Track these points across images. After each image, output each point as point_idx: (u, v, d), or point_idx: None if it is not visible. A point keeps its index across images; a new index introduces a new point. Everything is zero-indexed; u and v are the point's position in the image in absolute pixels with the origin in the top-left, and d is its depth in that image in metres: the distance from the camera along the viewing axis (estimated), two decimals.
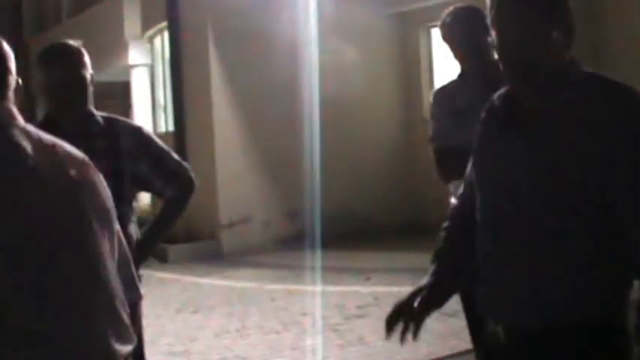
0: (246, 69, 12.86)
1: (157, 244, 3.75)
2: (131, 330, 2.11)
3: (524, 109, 2.48)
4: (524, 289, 2.42)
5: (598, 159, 2.33)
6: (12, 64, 2.10)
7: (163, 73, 15.40)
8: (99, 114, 3.71)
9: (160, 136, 15.78)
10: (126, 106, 24.52)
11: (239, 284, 10.06)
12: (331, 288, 9.46)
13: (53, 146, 2.07)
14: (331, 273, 10.19)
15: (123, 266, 2.19)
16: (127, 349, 2.06)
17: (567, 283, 2.37)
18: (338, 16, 12.52)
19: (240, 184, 13.05)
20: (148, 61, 18.15)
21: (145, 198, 12.36)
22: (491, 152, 2.56)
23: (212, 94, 13.18)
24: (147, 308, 9.09)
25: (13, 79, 2.09)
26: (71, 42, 3.65)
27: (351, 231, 12.71)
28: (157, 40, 15.98)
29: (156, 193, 3.83)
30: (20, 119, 2.04)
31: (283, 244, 12.78)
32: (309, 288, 9.61)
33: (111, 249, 2.10)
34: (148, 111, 18.33)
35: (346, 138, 13.46)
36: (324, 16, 12.30)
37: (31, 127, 2.05)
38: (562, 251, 2.37)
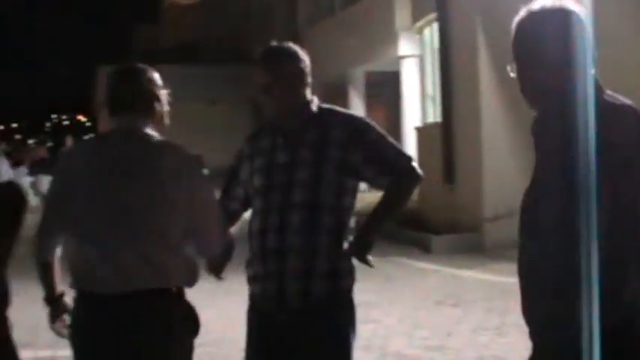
0: None
1: (372, 234, 3.68)
2: None
3: None
4: None
5: None
6: None
7: (432, 64, 15.38)
8: (317, 105, 3.80)
9: (428, 127, 15.95)
10: (396, 97, 24.86)
11: (500, 279, 9.83)
12: None
13: None
14: None
15: None
16: None
17: None
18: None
19: (507, 175, 12.77)
20: (417, 52, 18.22)
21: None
22: None
23: (480, 85, 13.02)
24: (407, 299, 9.13)
25: None
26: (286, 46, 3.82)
27: None
28: (427, 31, 15.99)
29: (371, 183, 3.77)
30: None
31: None
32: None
33: None
34: (417, 102, 18.43)
35: None
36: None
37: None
38: None
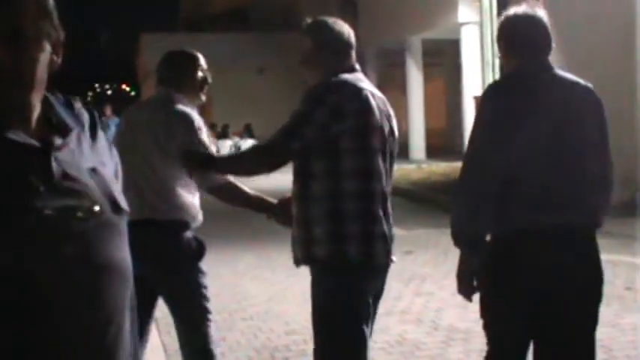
0: (577, 29, 12.21)
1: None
2: None
3: None
4: None
5: None
6: None
7: (491, 30, 15.04)
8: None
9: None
10: (454, 66, 24.46)
11: None
12: None
13: None
14: None
15: None
16: None
17: None
18: None
19: None
20: (477, 18, 17.86)
21: None
22: None
23: None
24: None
25: None
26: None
27: None
28: None
29: None
30: None
31: (613, 211, 11.93)
32: (637, 260, 8.93)
33: None
34: (477, 70, 18.08)
35: None
36: None
37: None
38: None
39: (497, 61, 14.33)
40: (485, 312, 3.59)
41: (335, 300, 3.68)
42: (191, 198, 4.25)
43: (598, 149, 3.52)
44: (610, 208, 3.65)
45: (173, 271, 4.26)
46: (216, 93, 33.75)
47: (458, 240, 3.46)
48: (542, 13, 3.64)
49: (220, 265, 8.92)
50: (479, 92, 16.81)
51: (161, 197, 4.19)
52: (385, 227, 3.68)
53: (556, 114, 3.46)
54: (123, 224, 1.87)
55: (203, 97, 4.46)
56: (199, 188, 4.29)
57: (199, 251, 4.30)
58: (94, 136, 1.91)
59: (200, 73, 4.40)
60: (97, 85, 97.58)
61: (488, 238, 3.53)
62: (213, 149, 4.36)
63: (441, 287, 8.11)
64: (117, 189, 1.88)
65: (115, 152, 2.00)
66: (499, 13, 13.73)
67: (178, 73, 4.37)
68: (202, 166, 4.14)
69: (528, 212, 3.38)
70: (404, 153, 26.27)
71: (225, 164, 4.25)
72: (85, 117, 1.92)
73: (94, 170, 1.82)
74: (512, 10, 3.67)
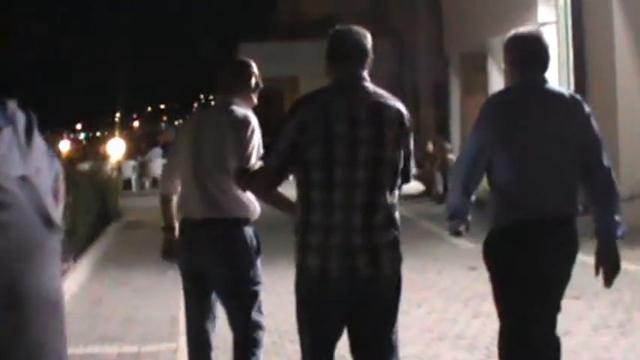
0: None
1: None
2: None
3: None
4: None
5: None
6: None
7: (565, 30, 14.38)
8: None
9: None
10: None
11: (632, 267, 8.89)
12: None
13: None
14: None
15: None
16: None
17: None
18: None
19: None
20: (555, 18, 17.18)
21: None
22: None
23: (615, 54, 12.05)
24: None
25: None
26: None
27: None
28: None
29: None
30: None
31: None
32: None
33: None
34: (553, 71, 17.40)
35: None
36: None
37: None
38: None
39: (571, 62, 13.67)
40: (499, 290, 4.37)
41: (297, 309, 3.95)
42: (249, 194, 4.56)
43: (592, 153, 4.27)
44: (619, 206, 4.26)
45: (239, 266, 4.67)
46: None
47: (451, 219, 4.39)
48: (543, 35, 4.38)
49: (277, 282, 8.31)
50: None
51: (227, 196, 4.62)
52: (345, 238, 3.70)
53: (552, 124, 4.17)
54: (53, 242, 1.60)
55: (255, 100, 4.92)
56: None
57: (259, 247, 4.75)
58: (29, 140, 1.67)
59: (253, 79, 4.89)
60: (201, 95, 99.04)
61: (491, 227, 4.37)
62: (260, 151, 4.63)
63: None
64: (50, 202, 1.62)
65: (56, 160, 1.77)
66: (574, 13, 13.26)
67: (235, 80, 4.88)
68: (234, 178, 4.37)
69: (524, 207, 4.17)
70: None
71: (241, 181, 4.27)
72: (21, 119, 1.68)
73: (24, 179, 1.57)
74: (520, 31, 4.33)
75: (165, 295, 8.90)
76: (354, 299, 3.80)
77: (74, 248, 10.99)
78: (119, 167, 23.00)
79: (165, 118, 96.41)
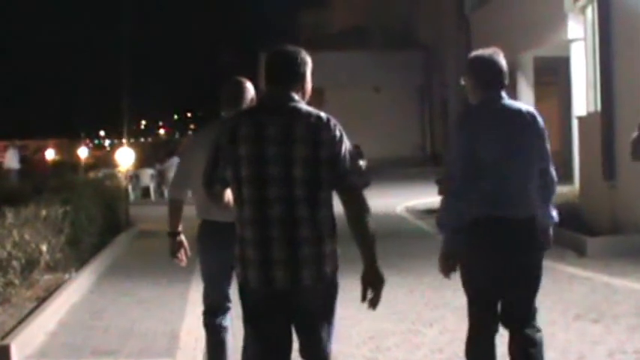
0: None
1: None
2: None
3: None
4: None
5: None
6: None
7: (593, 47, 13.97)
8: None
9: (588, 116, 14.53)
10: (567, 84, 23.29)
11: None
12: None
13: None
14: None
15: None
16: None
17: None
18: None
19: None
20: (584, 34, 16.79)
21: None
22: None
23: None
24: (544, 311, 8.10)
25: None
26: None
27: None
28: (589, 11, 14.56)
29: None
30: None
31: None
32: None
33: None
34: (583, 89, 16.97)
35: None
36: None
37: None
38: None
39: (598, 79, 13.25)
40: (465, 276, 4.81)
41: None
42: None
43: (541, 159, 4.79)
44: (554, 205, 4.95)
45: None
46: (333, 110, 33.80)
47: (442, 228, 4.73)
48: (501, 56, 4.81)
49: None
50: (583, 112, 15.75)
51: None
52: (261, 252, 3.83)
53: (507, 135, 4.69)
54: None
55: None
56: None
57: None
58: None
59: (249, 96, 5.37)
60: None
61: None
62: None
63: None
64: None
65: None
66: (601, 30, 12.87)
67: (230, 97, 5.39)
68: None
69: (488, 206, 4.64)
70: None
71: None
72: None
73: None
74: (480, 52, 4.88)
75: (168, 308, 8.65)
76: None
77: (77, 259, 10.70)
78: (129, 175, 22.82)
79: (192, 126, 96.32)
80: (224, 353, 5.32)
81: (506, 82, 4.77)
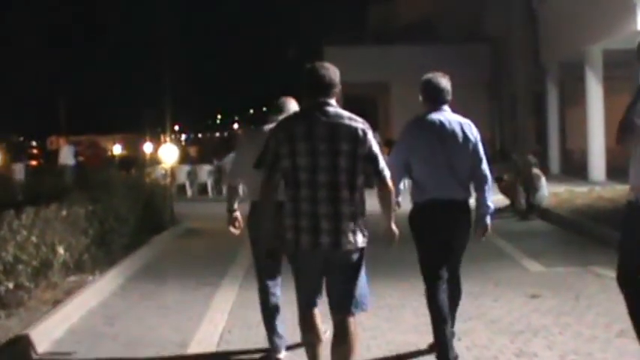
0: None
1: None
2: None
3: None
4: None
5: None
6: None
7: None
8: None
9: None
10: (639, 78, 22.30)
11: None
12: None
13: None
14: None
15: None
16: None
17: None
18: None
19: None
20: None
21: None
22: None
23: None
24: (584, 326, 7.37)
25: None
26: None
27: None
28: None
29: None
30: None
31: None
32: None
33: None
34: None
35: None
36: None
37: None
38: None
39: None
40: (418, 249, 6.39)
41: None
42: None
43: (474, 159, 6.32)
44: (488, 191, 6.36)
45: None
46: (399, 108, 33.18)
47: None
48: (446, 78, 6.50)
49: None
50: None
51: None
52: (312, 222, 5.01)
53: (444, 138, 6.25)
54: None
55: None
56: None
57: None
58: None
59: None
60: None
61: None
62: None
63: (551, 346, 6.69)
64: None
65: None
66: None
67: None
68: None
69: (430, 192, 6.23)
70: (582, 173, 24.32)
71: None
72: None
73: None
74: (429, 75, 6.50)
75: (186, 314, 8.24)
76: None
77: (103, 261, 10.34)
78: (173, 172, 22.57)
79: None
80: (277, 311, 6.51)
81: (449, 98, 6.42)
